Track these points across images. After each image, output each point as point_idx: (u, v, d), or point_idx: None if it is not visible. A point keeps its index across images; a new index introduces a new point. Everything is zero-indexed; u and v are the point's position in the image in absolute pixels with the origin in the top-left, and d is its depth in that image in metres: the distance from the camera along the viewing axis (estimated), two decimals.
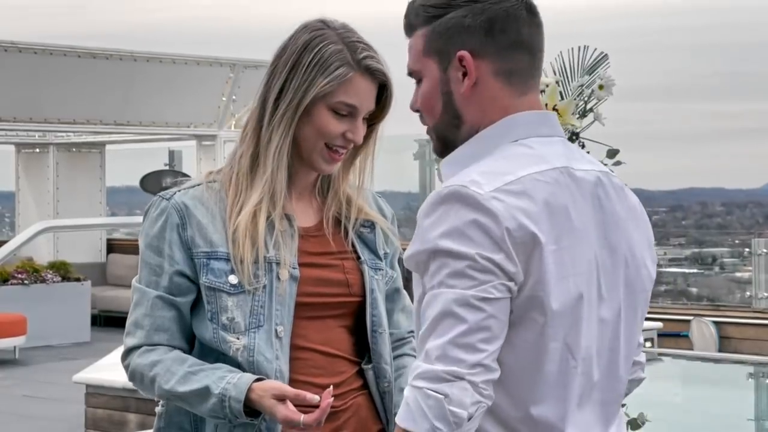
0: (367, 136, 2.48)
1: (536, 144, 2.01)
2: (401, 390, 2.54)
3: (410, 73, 2.08)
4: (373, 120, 2.47)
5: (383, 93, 2.45)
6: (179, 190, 2.42)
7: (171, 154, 17.63)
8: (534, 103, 2.05)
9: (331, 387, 2.28)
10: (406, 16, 2.08)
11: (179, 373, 2.32)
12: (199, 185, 2.43)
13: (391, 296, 2.58)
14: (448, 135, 2.04)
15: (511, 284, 1.86)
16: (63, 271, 15.64)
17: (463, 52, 1.99)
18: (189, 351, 2.40)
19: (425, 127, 2.08)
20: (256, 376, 2.29)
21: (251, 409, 2.27)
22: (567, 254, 1.91)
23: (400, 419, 1.84)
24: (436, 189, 1.94)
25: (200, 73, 15.30)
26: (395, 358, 2.57)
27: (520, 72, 2.02)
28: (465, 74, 2.00)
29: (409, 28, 2.07)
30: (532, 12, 2.03)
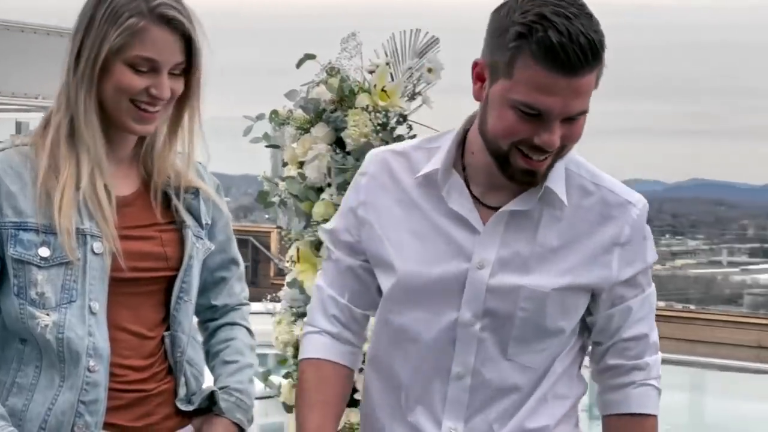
0: (188, 94, 2.33)
1: None
2: (225, 362, 2.48)
3: (582, 113, 2.06)
4: (189, 75, 2.32)
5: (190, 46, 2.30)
6: None
7: (18, 125, 17.23)
8: None
9: None
10: (587, 50, 1.99)
11: None
12: (8, 149, 2.28)
13: (227, 266, 2.51)
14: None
15: None
16: None
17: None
18: None
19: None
20: None
21: None
22: None
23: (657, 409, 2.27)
24: (635, 205, 2.22)
25: (50, 44, 14.97)
26: (224, 325, 2.52)
27: None
28: None
29: (589, 64, 2.01)
30: None
